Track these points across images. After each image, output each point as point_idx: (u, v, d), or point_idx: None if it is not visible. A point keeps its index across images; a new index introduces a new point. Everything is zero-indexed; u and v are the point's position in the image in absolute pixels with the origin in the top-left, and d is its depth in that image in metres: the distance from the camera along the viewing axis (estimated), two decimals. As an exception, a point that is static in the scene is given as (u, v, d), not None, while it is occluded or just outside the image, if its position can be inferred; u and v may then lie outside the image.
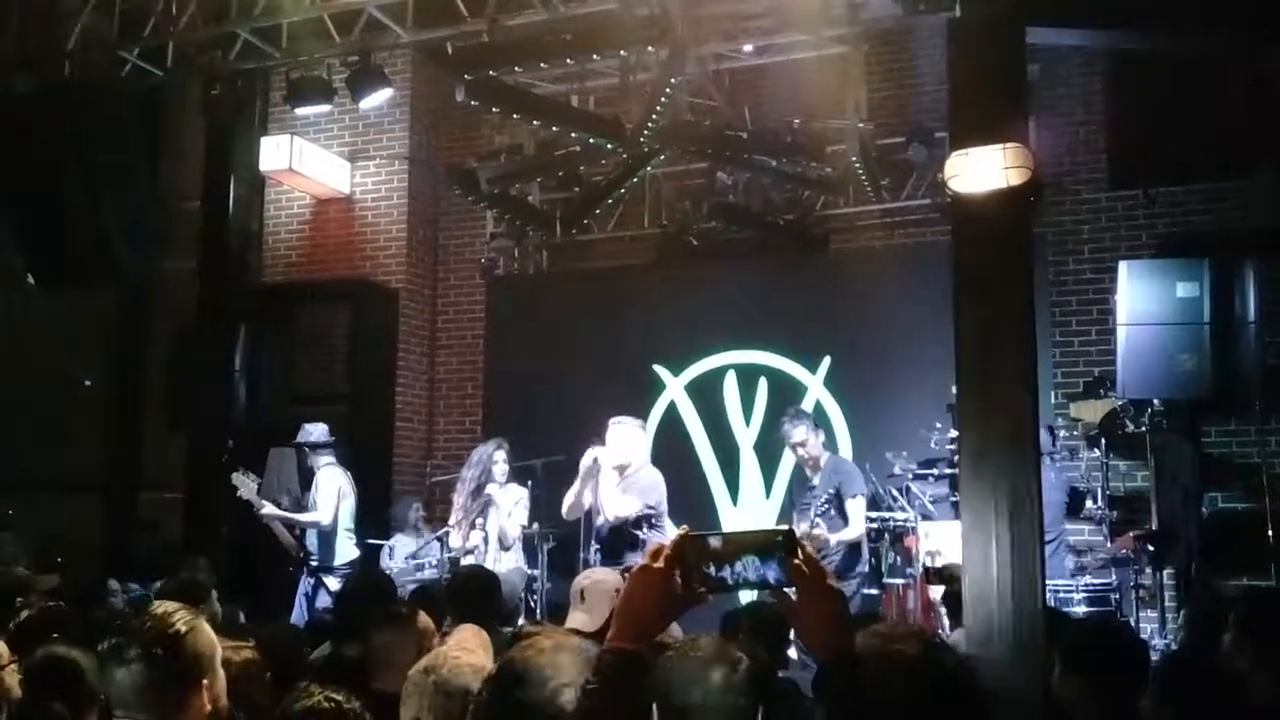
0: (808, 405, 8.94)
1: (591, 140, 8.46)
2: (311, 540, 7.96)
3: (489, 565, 7.14)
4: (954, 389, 5.79)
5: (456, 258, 10.92)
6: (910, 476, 8.01)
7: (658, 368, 9.73)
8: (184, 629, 2.38)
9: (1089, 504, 7.90)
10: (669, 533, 6.61)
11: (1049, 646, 3.44)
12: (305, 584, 7.88)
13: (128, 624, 2.40)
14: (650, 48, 7.71)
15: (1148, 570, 7.72)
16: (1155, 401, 7.73)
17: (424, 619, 4.25)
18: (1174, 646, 6.58)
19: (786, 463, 8.88)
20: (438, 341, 10.93)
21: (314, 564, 7.88)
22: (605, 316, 9.85)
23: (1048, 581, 5.84)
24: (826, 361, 9.27)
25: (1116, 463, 8.30)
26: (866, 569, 7.59)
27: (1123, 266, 7.72)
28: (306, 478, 8.43)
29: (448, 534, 7.95)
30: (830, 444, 8.18)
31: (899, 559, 7.78)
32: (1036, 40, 5.90)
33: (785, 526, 1.98)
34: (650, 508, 6.97)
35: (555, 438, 8.34)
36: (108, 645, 2.38)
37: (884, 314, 8.85)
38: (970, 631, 4.93)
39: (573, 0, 7.46)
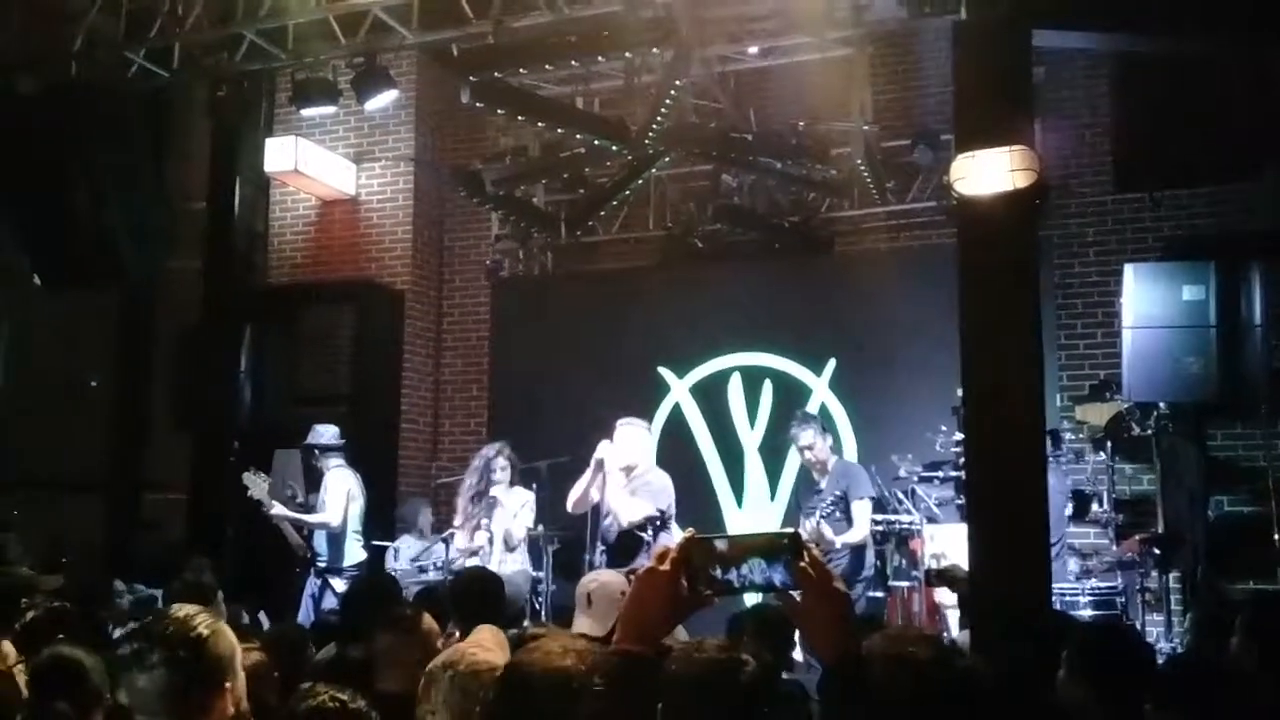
0: (813, 407, 8.93)
1: (596, 142, 8.46)
2: (319, 541, 7.96)
3: (494, 566, 7.14)
4: (959, 391, 5.79)
5: (461, 259, 10.93)
6: (915, 479, 7.99)
7: (662, 370, 9.73)
8: (206, 632, 2.38)
9: (1095, 507, 7.88)
10: (675, 535, 6.62)
11: (1055, 650, 3.43)
12: (312, 585, 7.88)
13: (148, 628, 2.39)
14: (655, 50, 7.71)
15: (1153, 574, 7.70)
16: (1161, 404, 7.72)
17: (428, 620, 4.26)
18: (1180, 650, 6.57)
19: (791, 465, 8.87)
20: (443, 343, 10.93)
21: (321, 565, 7.89)
22: (610, 318, 9.84)
23: (1052, 585, 5.85)
24: (832, 364, 9.26)
25: (1122, 466, 8.29)
26: (872, 572, 7.58)
27: (1128, 269, 7.72)
28: (311, 479, 8.43)
29: (452, 536, 7.95)
30: (836, 447, 8.18)
31: (904, 562, 7.77)
32: (1042, 43, 5.90)
33: (791, 529, 1.98)
34: (661, 511, 6.97)
35: (560, 439, 8.34)
36: (128, 650, 2.37)
37: (889, 316, 8.84)
38: (975, 634, 4.93)
39: (578, 2, 7.47)
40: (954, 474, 7.67)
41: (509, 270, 10.62)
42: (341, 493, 7.96)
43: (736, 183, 9.71)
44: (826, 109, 8.80)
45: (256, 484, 7.76)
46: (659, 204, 10.20)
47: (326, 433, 8.24)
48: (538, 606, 7.77)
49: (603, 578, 4.19)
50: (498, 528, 7.75)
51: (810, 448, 7.64)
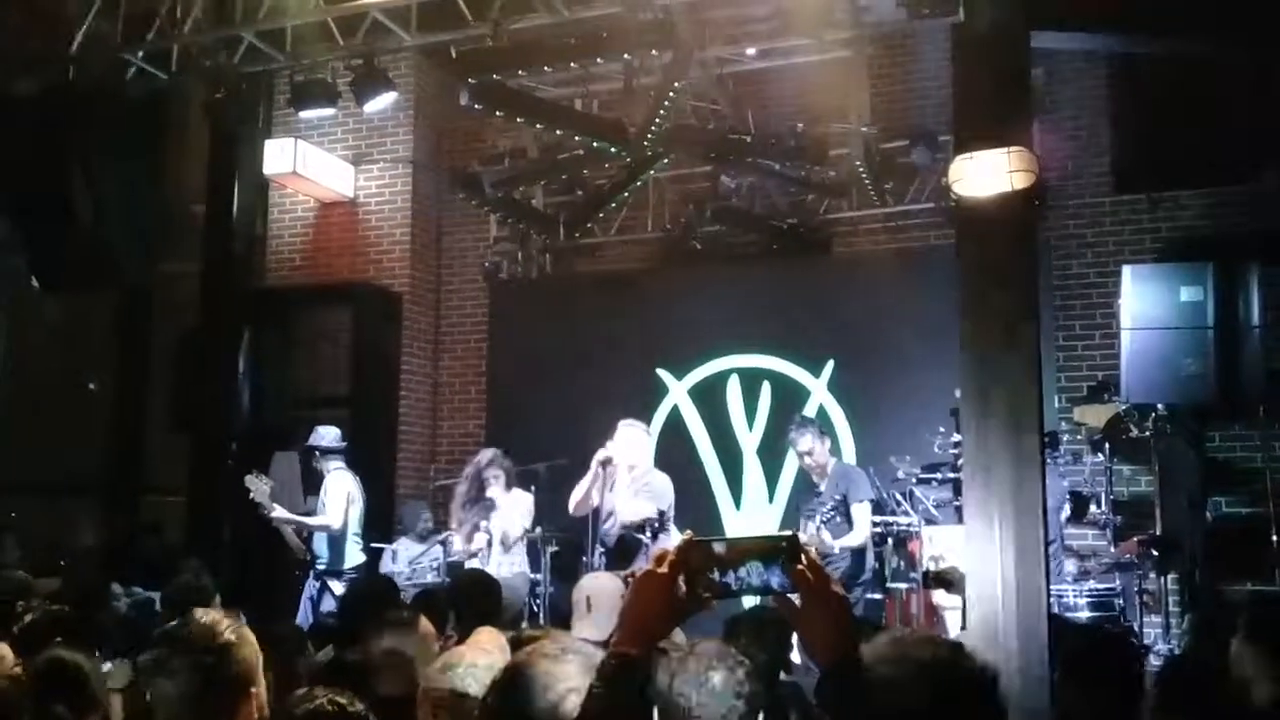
0: (811, 409, 8.93)
1: (595, 144, 8.46)
2: (319, 544, 7.96)
3: (492, 569, 7.13)
4: (958, 393, 5.79)
5: (460, 261, 10.93)
6: (914, 481, 8.00)
7: (661, 371, 9.73)
8: (232, 638, 2.38)
9: (1093, 509, 7.88)
10: (673, 538, 6.63)
11: (1052, 652, 3.44)
12: (311, 587, 7.86)
13: (173, 634, 2.39)
14: (654, 52, 7.71)
15: (1152, 575, 7.71)
16: (1159, 406, 7.72)
17: (425, 623, 4.25)
18: (1178, 651, 6.56)
19: (790, 467, 8.88)
20: (441, 345, 10.93)
21: (320, 567, 7.88)
22: (609, 320, 9.84)
23: (1050, 587, 5.84)
24: (830, 365, 9.26)
25: (1120, 467, 8.29)
26: (870, 574, 7.58)
27: (1127, 270, 7.72)
28: (310, 481, 8.42)
29: (450, 538, 7.94)
30: (834, 448, 8.18)
31: (902, 564, 7.77)
32: (1041, 44, 5.89)
33: (789, 532, 1.98)
34: (661, 512, 6.99)
35: (558, 441, 8.34)
36: (152, 657, 2.37)
37: (888, 318, 8.84)
38: (973, 636, 4.92)
39: (577, 4, 7.48)
40: (952, 475, 7.67)
41: (507, 272, 10.62)
42: (342, 495, 7.95)
43: (735, 184, 9.71)
44: (825, 110, 8.81)
45: (258, 487, 7.75)
46: (657, 205, 10.20)
47: (328, 434, 8.23)
48: (536, 608, 7.77)
49: (600, 580, 4.19)
50: (495, 530, 7.75)
51: (810, 452, 7.64)
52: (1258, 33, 5.54)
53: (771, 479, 9.28)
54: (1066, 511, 7.58)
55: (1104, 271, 8.81)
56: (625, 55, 7.84)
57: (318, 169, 10.23)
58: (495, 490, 7.80)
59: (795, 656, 4.69)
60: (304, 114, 8.94)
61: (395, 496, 9.90)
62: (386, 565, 8.57)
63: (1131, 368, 7.45)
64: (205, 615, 2.46)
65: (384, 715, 2.66)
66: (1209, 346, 7.34)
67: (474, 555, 7.74)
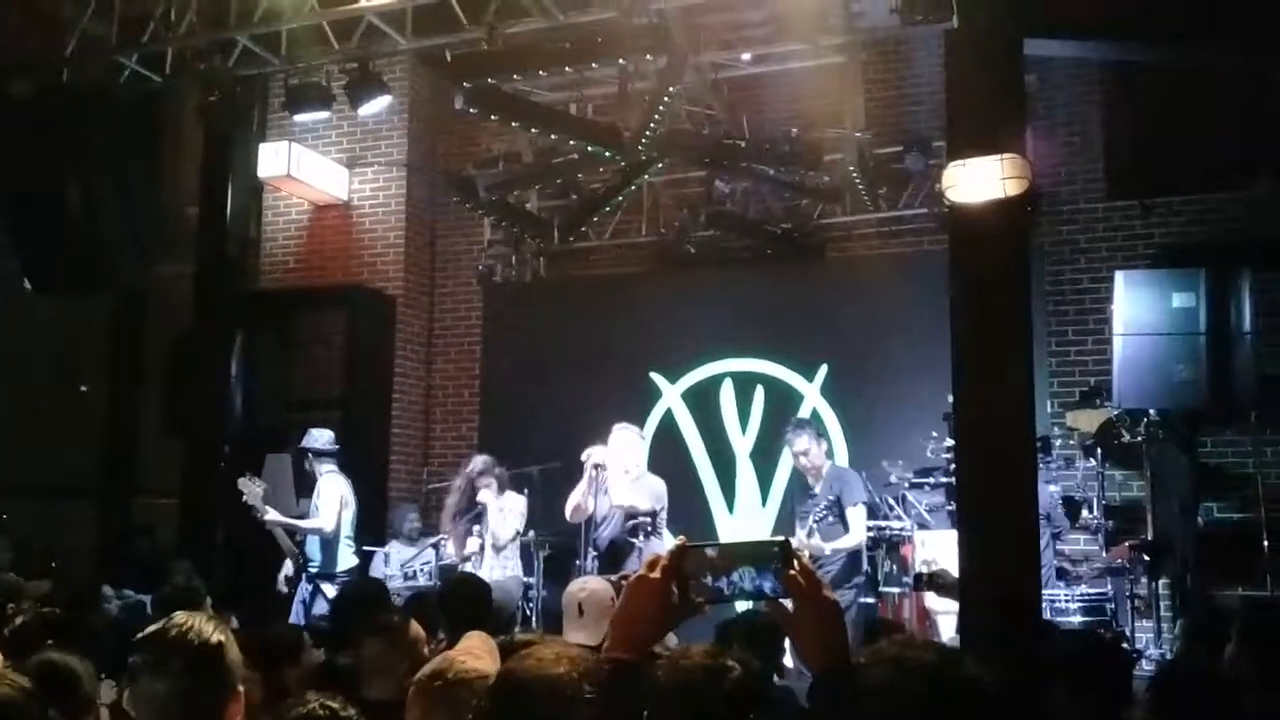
0: (804, 414, 8.94)
1: (590, 148, 8.46)
2: (312, 547, 7.95)
3: (485, 573, 7.13)
4: (950, 398, 5.80)
5: (454, 264, 10.92)
6: (907, 485, 8.01)
7: (655, 375, 9.73)
8: (222, 638, 2.38)
9: (1084, 513, 7.90)
10: (666, 542, 6.63)
11: (1044, 657, 3.45)
12: (303, 590, 7.86)
13: (159, 634, 2.39)
14: (649, 56, 7.71)
15: (1143, 580, 7.72)
16: (1151, 411, 7.74)
17: (415, 628, 4.24)
18: (1170, 656, 6.58)
19: (783, 471, 8.89)
20: (434, 348, 10.92)
21: (313, 571, 7.87)
22: (602, 324, 9.84)
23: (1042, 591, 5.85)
24: (823, 370, 9.27)
25: (1112, 472, 8.30)
26: (863, 578, 7.59)
27: (1119, 276, 7.74)
28: (303, 483, 8.42)
29: (442, 542, 7.93)
30: (829, 452, 8.19)
31: (895, 568, 7.79)
32: (1034, 51, 5.91)
33: (781, 537, 1.99)
34: (655, 513, 7.03)
35: (552, 445, 8.34)
36: (141, 658, 2.36)
37: (881, 323, 8.86)
38: (965, 640, 4.94)
39: (572, 9, 7.49)
40: (945, 480, 7.69)
41: (501, 275, 10.60)
42: (335, 498, 7.95)
43: (729, 189, 9.71)
44: (819, 116, 8.82)
45: (251, 490, 7.74)
46: (652, 210, 10.21)
47: (321, 437, 8.23)
48: (528, 612, 7.77)
49: (591, 585, 4.19)
50: (488, 534, 7.75)
51: (805, 453, 7.65)
52: (1250, 40, 5.57)
53: (764, 483, 9.29)
54: (1058, 516, 7.60)
55: (1096, 277, 8.83)
56: (620, 60, 7.84)
57: (312, 172, 10.22)
58: (487, 495, 7.80)
59: (789, 661, 4.71)
60: (298, 117, 8.93)
61: (388, 499, 9.88)
62: (379, 568, 8.56)
63: (1124, 373, 7.47)
64: (190, 617, 2.45)
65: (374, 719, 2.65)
66: (1201, 352, 7.36)
67: (467, 560, 7.74)
